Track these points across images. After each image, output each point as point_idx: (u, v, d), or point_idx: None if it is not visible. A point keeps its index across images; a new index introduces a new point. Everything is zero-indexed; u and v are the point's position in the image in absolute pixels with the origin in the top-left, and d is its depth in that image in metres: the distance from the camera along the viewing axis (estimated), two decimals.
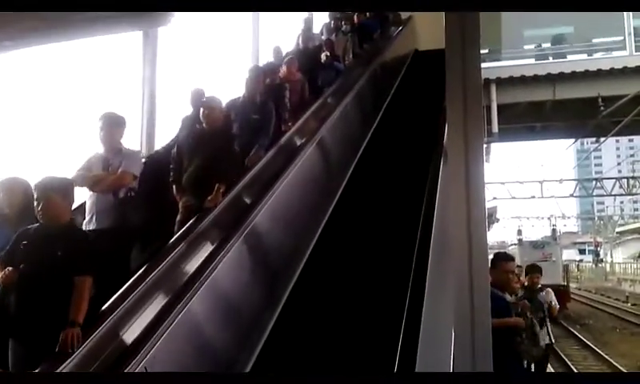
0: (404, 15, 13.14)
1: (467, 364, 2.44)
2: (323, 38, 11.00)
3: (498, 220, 41.87)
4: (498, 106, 13.79)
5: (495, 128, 13.49)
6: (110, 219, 4.40)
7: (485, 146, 14.78)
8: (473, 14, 2.94)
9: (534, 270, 7.48)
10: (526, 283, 7.25)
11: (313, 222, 6.06)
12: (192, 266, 4.03)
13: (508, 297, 4.85)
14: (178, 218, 4.89)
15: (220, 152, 4.99)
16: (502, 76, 14.16)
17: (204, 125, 5.35)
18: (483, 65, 14.31)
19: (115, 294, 3.48)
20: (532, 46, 16.89)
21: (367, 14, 11.62)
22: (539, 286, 7.27)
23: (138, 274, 3.70)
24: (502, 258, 5.13)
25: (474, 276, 2.50)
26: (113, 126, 4.62)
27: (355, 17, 11.50)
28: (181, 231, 4.38)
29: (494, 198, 30.13)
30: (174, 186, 5.14)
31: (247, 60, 9.75)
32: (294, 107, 7.14)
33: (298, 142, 6.48)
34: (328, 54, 9.07)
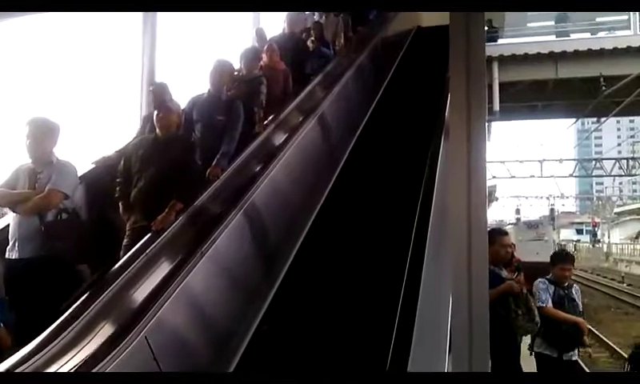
0: None
1: (465, 340, 2.48)
2: (315, 17, 9.95)
3: (497, 199, 41.94)
4: (500, 84, 13.75)
5: (496, 106, 13.48)
6: (33, 247, 3.73)
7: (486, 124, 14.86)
8: None
9: (564, 259, 5.66)
10: (551, 276, 5.61)
11: (290, 242, 5.27)
12: (137, 298, 3.39)
13: (504, 272, 4.91)
14: (125, 241, 4.17)
15: (176, 163, 4.28)
16: (505, 53, 14.10)
17: (157, 130, 4.54)
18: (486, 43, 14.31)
19: (40, 335, 2.83)
20: (535, 24, 16.78)
21: None
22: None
23: (69, 310, 3.04)
24: (497, 232, 5.27)
25: (473, 254, 2.52)
26: (42, 133, 3.92)
27: None
28: (125, 257, 3.66)
29: (494, 177, 30.14)
30: (120, 204, 4.37)
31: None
32: (276, 101, 6.36)
33: (274, 145, 5.74)
34: (314, 39, 8.25)
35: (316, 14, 9.88)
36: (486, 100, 2.94)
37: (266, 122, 5.79)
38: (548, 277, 5.46)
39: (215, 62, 5.46)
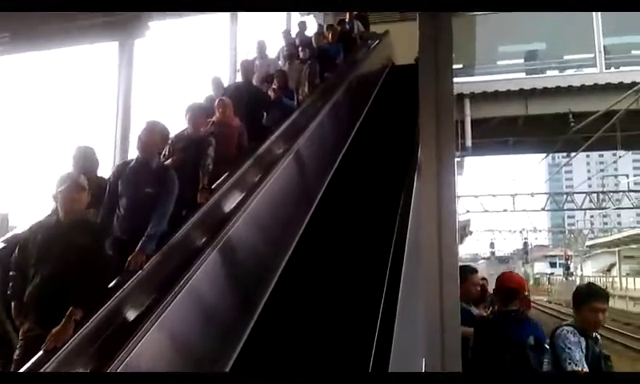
0: (380, 29, 13.22)
1: (437, 367, 2.51)
2: (280, 63, 9.60)
3: (471, 233, 42.33)
4: (472, 121, 14.00)
5: (469, 142, 13.68)
6: None
7: (458, 159, 15.09)
8: (446, 33, 3.03)
9: (597, 295, 3.83)
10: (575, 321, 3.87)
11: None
12: None
13: (475, 310, 4.92)
14: (16, 353, 3.43)
15: (79, 254, 3.48)
16: (476, 91, 14.41)
17: (59, 212, 3.70)
18: (457, 80, 14.62)
19: None
20: (506, 62, 17.24)
21: (329, 38, 10.69)
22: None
23: None
24: (468, 270, 5.21)
25: (444, 286, 2.56)
26: None
27: (314, 41, 10.45)
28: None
29: (468, 211, 30.49)
30: (12, 305, 3.59)
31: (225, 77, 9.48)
32: (230, 160, 5.75)
33: (222, 215, 5.06)
34: (276, 87, 7.73)
35: (281, 60, 9.58)
36: (454, 138, 3.02)
37: (214, 187, 5.19)
38: (572, 323, 3.79)
39: (146, 124, 4.75)
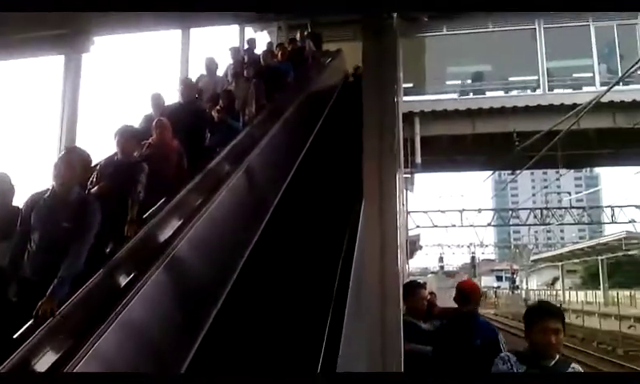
0: (333, 47, 13.34)
1: None
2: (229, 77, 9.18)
3: (421, 247, 43.04)
4: (422, 138, 14.30)
5: (418, 159, 13.97)
6: None
7: (409, 176, 15.36)
8: (389, 53, 3.11)
9: (544, 313, 3.24)
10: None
11: None
12: None
13: (422, 324, 4.93)
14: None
15: None
16: (426, 110, 14.77)
17: None
18: (408, 98, 14.95)
19: None
20: (454, 82, 17.76)
21: (278, 56, 10.37)
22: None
23: None
24: (414, 286, 5.27)
25: (387, 306, 2.62)
26: None
27: (262, 59, 10.02)
28: None
29: (417, 226, 31.07)
30: None
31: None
32: (167, 185, 5.36)
33: (155, 247, 4.63)
34: (220, 108, 7.30)
35: (229, 75, 9.03)
36: (396, 156, 3.11)
37: (147, 214, 4.79)
38: (522, 349, 3.33)
39: (63, 150, 4.45)
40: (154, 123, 5.75)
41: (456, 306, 4.50)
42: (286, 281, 5.30)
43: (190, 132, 6.30)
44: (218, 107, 7.30)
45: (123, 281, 4.15)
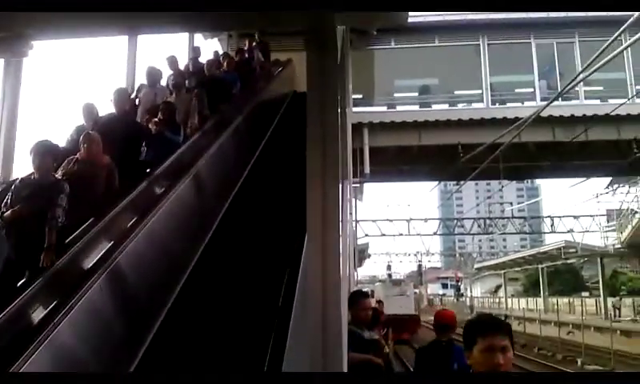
0: (284, 57, 13.36)
1: None
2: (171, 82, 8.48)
3: (369, 256, 43.58)
4: (371, 149, 14.51)
5: (367, 169, 14.17)
6: None
7: (358, 185, 15.55)
8: (333, 65, 3.18)
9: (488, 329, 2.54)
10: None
11: None
12: None
13: (367, 333, 4.96)
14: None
15: None
16: (374, 121, 15.03)
17: None
18: (357, 109, 15.16)
19: None
20: (402, 95, 18.15)
21: (224, 66, 9.93)
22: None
23: None
24: (358, 295, 5.33)
25: (328, 314, 2.68)
26: None
27: (206, 69, 9.57)
28: None
29: (366, 235, 31.47)
30: None
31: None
32: (96, 204, 4.94)
33: (72, 280, 4.11)
34: (159, 120, 6.77)
35: (169, 83, 8.50)
36: (339, 167, 3.17)
37: (68, 241, 4.35)
38: None
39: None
40: (81, 137, 5.28)
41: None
42: (231, 296, 5.15)
43: (124, 146, 5.86)
44: (155, 119, 6.78)
45: (37, 317, 3.70)
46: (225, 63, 10.07)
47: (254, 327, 4.53)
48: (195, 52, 10.91)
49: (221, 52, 12.44)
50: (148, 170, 5.99)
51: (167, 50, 9.55)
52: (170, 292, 5.19)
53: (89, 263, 4.31)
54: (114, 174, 5.25)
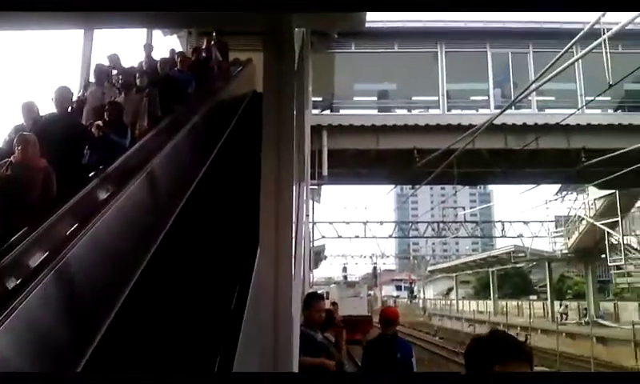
0: (244, 56, 13.27)
1: None
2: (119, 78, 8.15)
3: (325, 257, 43.76)
4: (329, 151, 14.58)
5: (325, 171, 14.22)
6: None
7: (315, 187, 15.59)
8: (290, 67, 3.17)
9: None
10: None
11: None
12: None
13: (319, 335, 5.00)
14: None
15: None
16: (333, 123, 15.10)
17: None
18: (317, 112, 15.21)
19: None
20: (361, 99, 18.32)
21: (177, 64, 9.51)
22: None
23: None
24: (312, 297, 5.38)
25: (279, 314, 2.69)
26: None
27: (159, 68, 9.11)
28: None
29: (323, 237, 31.57)
30: None
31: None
32: (31, 210, 4.64)
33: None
34: (104, 122, 6.31)
35: (116, 82, 8.10)
36: (293, 169, 3.17)
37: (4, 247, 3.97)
38: None
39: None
40: (15, 139, 4.97)
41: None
42: (182, 298, 5.00)
43: (65, 148, 5.54)
44: (99, 122, 6.30)
45: None
46: (178, 61, 9.67)
47: (205, 330, 4.48)
48: (148, 49, 10.41)
49: (180, 50, 12.21)
50: (90, 175, 5.63)
51: (127, 46, 9.19)
52: (118, 296, 5.00)
53: (19, 277, 3.93)
54: (52, 179, 4.94)
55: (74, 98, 7.02)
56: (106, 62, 8.53)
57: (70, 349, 4.18)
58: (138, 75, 8.16)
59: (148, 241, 5.82)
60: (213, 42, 11.88)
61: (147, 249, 5.74)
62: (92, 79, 8.12)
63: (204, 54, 11.30)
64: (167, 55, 10.53)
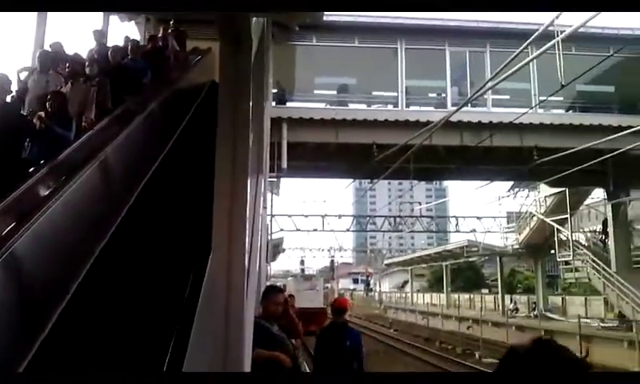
0: (204, 45, 13.03)
1: None
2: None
3: (284, 250, 43.74)
4: (289, 144, 14.57)
5: (284, 164, 14.21)
6: None
7: (274, 180, 15.56)
8: (246, 57, 3.14)
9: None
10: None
11: None
12: None
13: (275, 327, 4.98)
14: None
15: None
16: (293, 116, 15.09)
17: None
18: (276, 104, 15.15)
19: None
20: (321, 92, 18.37)
21: (128, 52, 8.95)
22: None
23: None
24: (270, 290, 5.41)
25: (231, 312, 2.69)
26: None
27: (110, 56, 8.52)
28: None
29: (281, 230, 31.50)
30: None
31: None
32: None
33: None
34: (43, 114, 5.86)
35: (61, 70, 7.63)
36: (248, 161, 3.14)
37: None
38: None
39: None
40: None
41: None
42: (133, 291, 4.76)
43: (2, 141, 5.27)
44: (41, 112, 5.89)
45: None
46: (131, 49, 9.11)
47: (156, 323, 4.39)
48: (99, 36, 9.63)
49: (138, 37, 11.86)
50: (31, 170, 5.23)
51: (83, 33, 8.69)
52: (64, 290, 4.70)
53: None
54: None
55: (16, 87, 6.64)
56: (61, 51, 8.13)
57: (12, 348, 3.99)
58: (87, 63, 7.66)
59: (97, 235, 5.44)
60: (170, 31, 11.43)
61: (97, 243, 5.37)
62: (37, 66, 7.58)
63: (160, 43, 10.79)
64: (122, 43, 9.84)
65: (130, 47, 9.13)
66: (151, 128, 7.26)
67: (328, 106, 16.66)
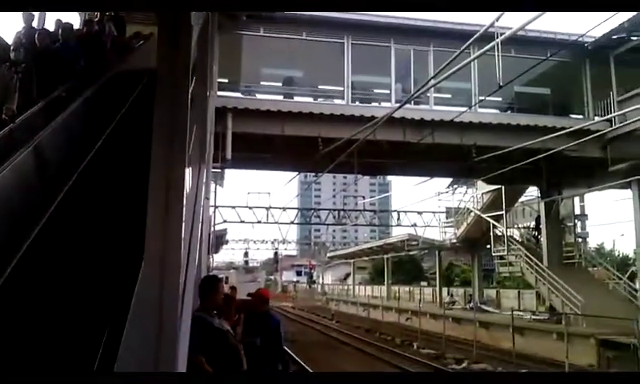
0: (147, 31, 12.66)
1: None
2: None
3: (227, 242, 43.36)
4: (234, 135, 14.46)
5: (229, 155, 14.09)
6: None
7: (219, 171, 15.43)
8: (185, 44, 3.09)
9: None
10: None
11: None
12: None
13: (217, 321, 4.90)
14: None
15: None
16: (239, 107, 15.00)
17: None
18: (223, 93, 15.01)
19: None
20: (267, 84, 18.32)
21: (59, 35, 8.31)
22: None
23: None
24: (210, 282, 5.27)
25: (164, 297, 2.70)
26: None
27: (37, 41, 7.82)
28: None
29: (225, 221, 31.26)
30: None
31: None
32: None
33: None
34: None
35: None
36: (186, 151, 3.09)
37: None
38: None
39: None
40: None
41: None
42: (64, 287, 4.56)
43: None
44: None
45: None
46: (60, 32, 8.48)
47: (88, 318, 4.28)
48: (28, 18, 8.77)
49: (77, 21, 11.32)
50: None
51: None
52: None
53: None
54: None
55: None
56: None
57: None
58: (12, 48, 7.08)
59: (22, 234, 5.09)
60: (107, 14, 10.88)
61: (26, 234, 5.06)
62: None
63: (96, 27, 10.22)
64: (53, 27, 9.12)
65: (60, 31, 8.52)
66: (85, 117, 6.87)
67: (274, 98, 16.63)
